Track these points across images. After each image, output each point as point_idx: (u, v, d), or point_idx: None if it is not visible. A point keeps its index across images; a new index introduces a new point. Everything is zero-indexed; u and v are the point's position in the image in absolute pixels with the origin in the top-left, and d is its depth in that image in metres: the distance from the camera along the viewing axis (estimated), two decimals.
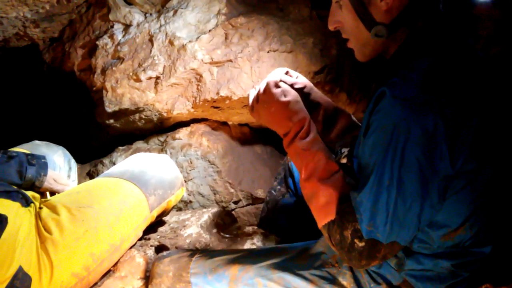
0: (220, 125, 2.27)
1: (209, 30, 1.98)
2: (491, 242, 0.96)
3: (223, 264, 1.19)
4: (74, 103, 2.59)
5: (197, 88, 1.99)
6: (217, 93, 1.94)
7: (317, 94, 1.31)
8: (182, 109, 2.03)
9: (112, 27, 2.11)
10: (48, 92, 2.67)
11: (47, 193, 1.50)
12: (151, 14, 2.09)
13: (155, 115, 2.08)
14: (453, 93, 0.84)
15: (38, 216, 1.25)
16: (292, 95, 1.06)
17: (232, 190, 2.11)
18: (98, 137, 2.55)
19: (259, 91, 1.10)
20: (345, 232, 0.91)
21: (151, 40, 2.01)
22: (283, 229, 1.55)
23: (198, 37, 1.96)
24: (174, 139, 2.15)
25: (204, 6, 2.02)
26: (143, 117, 2.11)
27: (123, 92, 2.01)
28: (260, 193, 2.15)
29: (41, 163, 1.43)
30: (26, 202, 1.26)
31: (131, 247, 1.46)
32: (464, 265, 0.97)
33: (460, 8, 2.09)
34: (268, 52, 1.98)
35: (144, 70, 1.97)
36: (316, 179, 0.97)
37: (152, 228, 1.63)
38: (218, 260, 1.21)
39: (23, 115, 2.77)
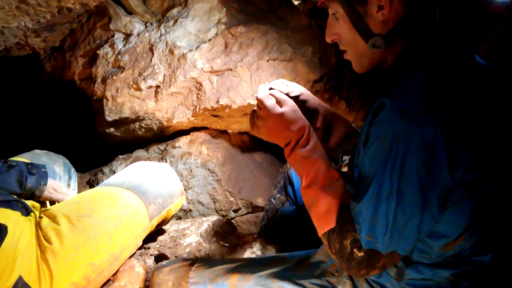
0: (220, 134, 2.28)
1: (209, 39, 1.99)
2: (490, 250, 0.97)
3: (223, 273, 1.19)
4: (74, 112, 2.61)
5: (197, 97, 2.00)
6: (217, 102, 1.95)
7: (315, 101, 1.29)
8: (182, 117, 2.04)
9: (112, 36, 2.12)
10: (48, 101, 2.68)
11: (47, 202, 1.50)
12: (151, 24, 2.10)
13: (155, 123, 2.09)
14: (452, 104, 0.84)
15: (38, 225, 1.26)
16: (288, 104, 1.05)
17: (231, 199, 2.11)
18: (98, 146, 2.56)
19: (257, 108, 1.09)
20: (345, 241, 0.91)
21: (151, 49, 2.02)
22: (283, 238, 1.55)
23: (198, 46, 1.97)
24: (174, 147, 2.16)
25: (204, 15, 2.03)
26: (143, 125, 2.12)
27: (124, 101, 2.02)
28: (260, 201, 2.14)
29: (41, 173, 1.43)
30: (26, 212, 1.26)
31: (130, 257, 1.46)
32: (464, 274, 0.97)
33: (469, 7, 2.04)
34: (267, 61, 1.99)
35: (144, 79, 1.98)
36: (316, 187, 0.98)
37: (151, 237, 1.63)
38: (218, 269, 1.20)
39: (24, 124, 2.78)
